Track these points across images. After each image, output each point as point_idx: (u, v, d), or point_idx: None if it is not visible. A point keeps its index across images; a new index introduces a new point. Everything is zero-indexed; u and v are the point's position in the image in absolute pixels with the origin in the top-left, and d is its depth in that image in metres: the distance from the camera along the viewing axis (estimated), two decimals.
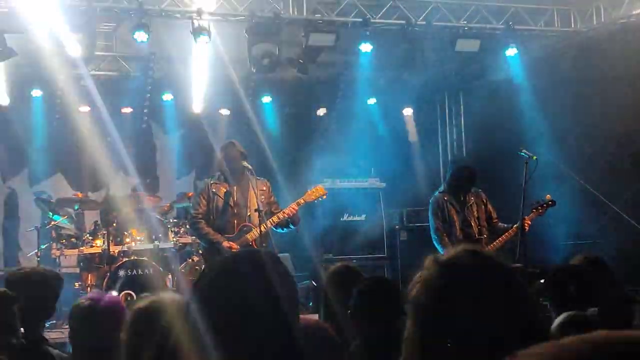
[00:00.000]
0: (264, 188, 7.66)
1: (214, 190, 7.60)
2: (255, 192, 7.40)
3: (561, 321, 3.56)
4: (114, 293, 8.32)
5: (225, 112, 12.25)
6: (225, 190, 7.59)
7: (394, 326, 3.53)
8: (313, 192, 7.73)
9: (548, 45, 11.12)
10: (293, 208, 7.56)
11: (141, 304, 2.90)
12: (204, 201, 7.63)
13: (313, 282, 10.49)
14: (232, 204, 7.55)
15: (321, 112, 12.73)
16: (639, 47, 9.71)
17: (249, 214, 7.51)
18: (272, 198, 7.73)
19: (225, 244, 7.34)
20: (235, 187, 7.60)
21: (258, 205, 7.22)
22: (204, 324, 1.92)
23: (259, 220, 7.17)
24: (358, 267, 5.16)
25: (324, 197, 7.82)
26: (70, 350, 3.64)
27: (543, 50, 11.15)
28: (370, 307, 3.64)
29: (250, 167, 7.44)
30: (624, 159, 9.99)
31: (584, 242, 9.85)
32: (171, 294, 3.02)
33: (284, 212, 7.50)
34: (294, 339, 2.00)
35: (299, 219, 7.64)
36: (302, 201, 7.65)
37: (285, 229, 7.67)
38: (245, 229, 7.47)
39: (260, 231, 7.15)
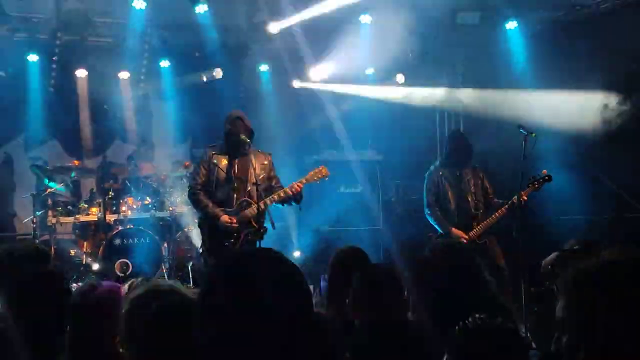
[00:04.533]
0: (265, 162, 7.52)
1: (215, 161, 7.44)
2: (254, 166, 7.33)
3: None
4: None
5: (218, 74, 12.15)
6: (226, 161, 7.47)
7: (394, 314, 3.56)
8: (316, 172, 7.55)
9: (547, 18, 11.04)
10: (297, 187, 7.37)
11: (136, 292, 2.87)
12: (204, 171, 7.47)
13: (299, 252, 10.54)
14: (232, 176, 7.44)
15: (315, 76, 12.56)
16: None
17: (248, 188, 7.39)
18: (273, 172, 7.58)
19: (224, 217, 7.28)
20: (236, 160, 7.47)
21: (256, 179, 7.16)
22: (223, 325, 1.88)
23: (257, 195, 7.12)
24: (360, 246, 5.17)
25: (326, 178, 7.68)
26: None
27: (543, 23, 11.08)
28: (370, 298, 3.66)
29: (250, 142, 7.34)
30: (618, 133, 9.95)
31: (578, 218, 9.86)
32: (167, 281, 3.00)
33: (285, 191, 7.35)
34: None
35: (301, 196, 7.47)
36: (305, 181, 7.44)
37: (285, 205, 7.57)
38: (244, 204, 7.36)
39: (259, 207, 7.10)
